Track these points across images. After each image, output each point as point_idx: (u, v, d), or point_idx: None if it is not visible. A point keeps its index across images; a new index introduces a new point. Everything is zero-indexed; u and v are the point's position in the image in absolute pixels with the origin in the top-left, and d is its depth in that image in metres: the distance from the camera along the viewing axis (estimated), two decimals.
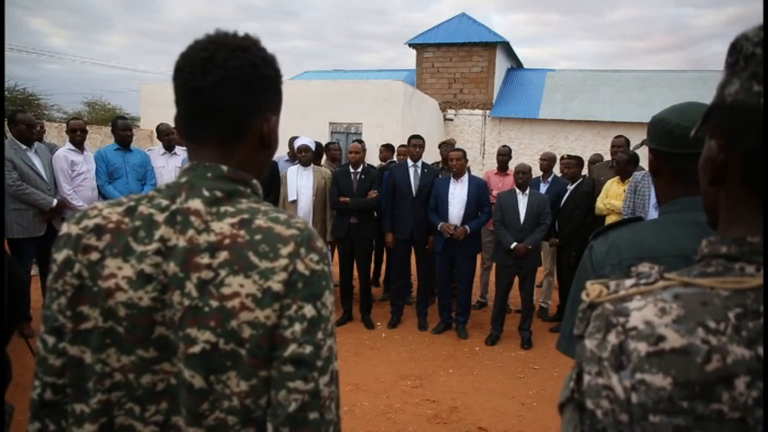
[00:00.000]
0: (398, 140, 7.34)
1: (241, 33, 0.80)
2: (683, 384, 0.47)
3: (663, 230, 1.05)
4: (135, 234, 0.74)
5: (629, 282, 0.57)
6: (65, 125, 4.78)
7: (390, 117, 10.32)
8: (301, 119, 9.49)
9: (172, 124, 4.27)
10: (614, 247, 1.05)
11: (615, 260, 1.03)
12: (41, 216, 4.08)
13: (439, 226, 4.46)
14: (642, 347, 0.49)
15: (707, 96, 0.61)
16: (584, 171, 5.28)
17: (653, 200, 3.49)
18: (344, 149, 6.60)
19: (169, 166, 5.09)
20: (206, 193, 0.76)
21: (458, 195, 4.50)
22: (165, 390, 0.74)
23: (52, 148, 4.67)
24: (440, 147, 5.71)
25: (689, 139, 1.03)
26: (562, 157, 5.25)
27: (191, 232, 0.73)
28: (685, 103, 1.12)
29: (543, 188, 5.02)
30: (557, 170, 5.28)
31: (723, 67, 0.58)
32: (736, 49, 0.55)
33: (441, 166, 5.36)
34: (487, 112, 13.50)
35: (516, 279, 4.53)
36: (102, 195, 4.46)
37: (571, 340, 1.10)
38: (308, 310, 0.72)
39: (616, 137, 5.04)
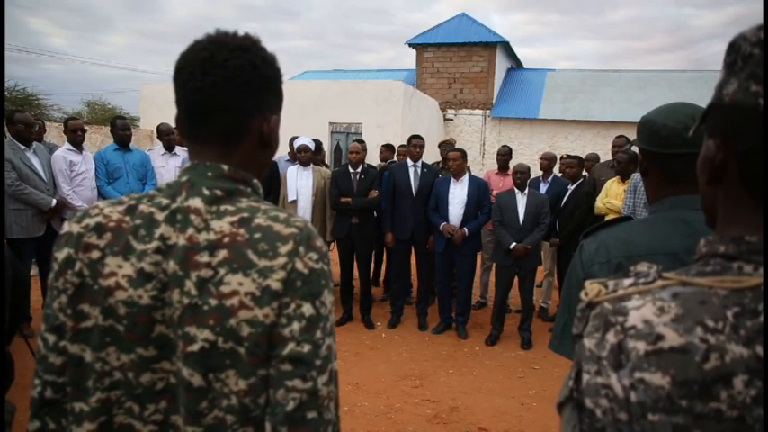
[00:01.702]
0: (398, 140, 7.34)
1: (241, 33, 0.80)
2: (681, 383, 0.47)
3: (652, 229, 1.06)
4: (135, 233, 0.75)
5: (627, 281, 0.57)
6: (62, 125, 4.77)
7: (390, 117, 10.32)
8: (301, 119, 9.49)
9: (172, 124, 4.28)
10: (603, 246, 1.06)
11: (603, 258, 1.04)
12: (41, 216, 4.07)
13: (441, 226, 4.46)
14: (641, 346, 0.49)
15: (707, 96, 0.61)
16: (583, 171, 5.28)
17: None
18: (344, 149, 6.63)
19: (169, 166, 5.09)
20: (206, 192, 0.76)
21: (458, 195, 4.50)
22: (164, 388, 0.74)
23: (52, 149, 4.67)
24: (440, 147, 5.71)
25: (676, 139, 1.04)
26: (562, 157, 5.25)
27: (190, 231, 0.73)
28: (673, 104, 1.13)
29: (543, 188, 5.02)
30: (556, 170, 5.28)
31: (722, 67, 0.58)
32: (734, 49, 0.55)
33: (441, 166, 5.36)
34: (487, 112, 13.49)
35: (516, 279, 4.53)
36: (102, 196, 4.46)
37: (563, 339, 1.11)
38: (307, 309, 0.72)
39: (617, 137, 5.03)
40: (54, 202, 4.11)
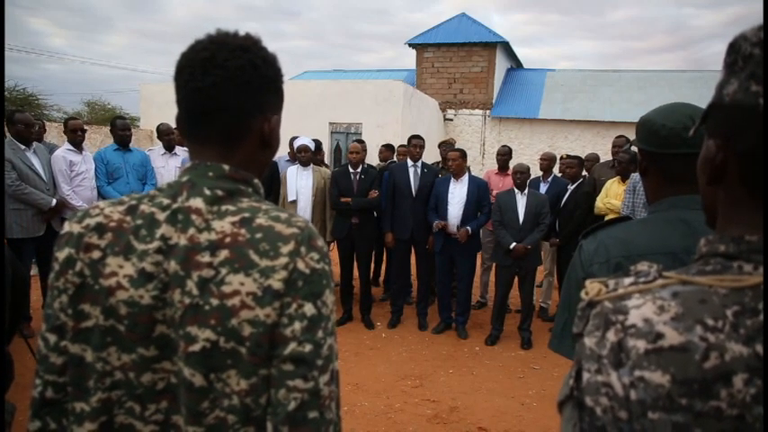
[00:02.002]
0: (398, 140, 7.34)
1: (242, 33, 0.80)
2: (681, 381, 0.47)
3: (651, 229, 1.06)
4: (136, 233, 0.75)
5: (627, 280, 0.57)
6: (62, 125, 4.77)
7: (390, 117, 10.32)
8: (301, 119, 9.48)
9: (172, 124, 4.28)
10: (602, 246, 1.06)
11: (603, 258, 1.04)
12: (41, 216, 4.08)
13: (434, 224, 4.46)
14: (641, 345, 0.49)
15: (707, 96, 0.61)
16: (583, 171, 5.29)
17: None
18: (344, 149, 6.66)
19: (169, 166, 5.10)
20: (207, 192, 0.76)
21: (457, 195, 4.51)
22: (165, 388, 0.74)
23: (52, 149, 4.68)
24: (439, 147, 5.72)
25: (675, 139, 1.05)
26: (562, 157, 5.25)
27: (192, 231, 0.73)
28: (672, 104, 1.13)
29: (543, 188, 5.03)
30: (556, 170, 5.28)
31: (722, 66, 0.58)
32: (734, 49, 0.55)
33: (441, 165, 5.37)
34: (487, 112, 13.49)
35: (516, 279, 4.53)
36: (102, 196, 4.47)
37: (562, 338, 1.11)
38: (309, 309, 0.72)
39: (617, 137, 5.03)
40: (54, 201, 4.11)
